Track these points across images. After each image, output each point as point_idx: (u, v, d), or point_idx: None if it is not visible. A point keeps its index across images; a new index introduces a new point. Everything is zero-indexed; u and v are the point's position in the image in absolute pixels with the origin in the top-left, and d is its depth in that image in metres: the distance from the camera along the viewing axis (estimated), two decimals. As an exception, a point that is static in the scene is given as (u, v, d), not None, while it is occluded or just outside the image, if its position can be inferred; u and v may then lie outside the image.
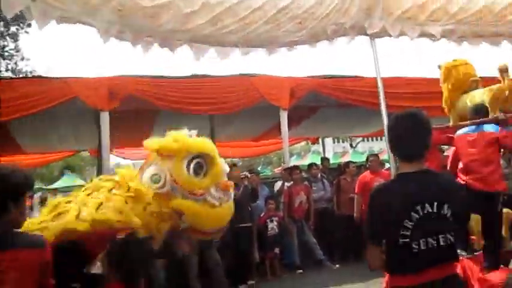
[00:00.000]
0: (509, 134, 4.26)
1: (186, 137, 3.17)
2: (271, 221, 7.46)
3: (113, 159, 8.42)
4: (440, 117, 5.38)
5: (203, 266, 6.31)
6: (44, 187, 14.41)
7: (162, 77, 7.99)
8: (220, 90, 8.00)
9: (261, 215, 7.52)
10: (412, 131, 2.26)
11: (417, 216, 2.15)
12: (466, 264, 4.07)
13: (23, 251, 1.95)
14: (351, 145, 37.89)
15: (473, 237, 4.14)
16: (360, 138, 35.31)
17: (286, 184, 7.95)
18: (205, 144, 3.19)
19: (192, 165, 3.06)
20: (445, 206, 2.18)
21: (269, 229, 7.41)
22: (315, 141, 16.56)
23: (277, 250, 7.51)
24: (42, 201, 6.89)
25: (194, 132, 3.26)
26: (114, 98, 7.07)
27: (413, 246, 2.14)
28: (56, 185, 18.34)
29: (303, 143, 28.76)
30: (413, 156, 2.28)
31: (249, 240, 7.16)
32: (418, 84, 8.98)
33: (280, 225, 7.57)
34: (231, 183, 3.33)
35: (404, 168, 2.30)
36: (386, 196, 2.25)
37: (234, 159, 16.29)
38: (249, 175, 7.84)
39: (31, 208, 7.70)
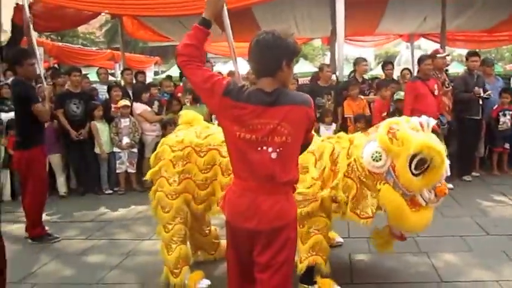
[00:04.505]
0: None
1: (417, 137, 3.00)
2: (504, 115, 7.09)
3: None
4: None
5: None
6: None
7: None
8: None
9: (494, 108, 7.19)
10: None
11: None
12: None
13: (296, 106, 2.16)
14: None
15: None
16: None
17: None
18: (434, 146, 2.97)
19: (414, 161, 2.97)
20: None
21: (500, 123, 7.09)
22: None
23: (507, 145, 7.23)
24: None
25: None
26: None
27: None
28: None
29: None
30: None
31: (475, 133, 7.04)
32: None
33: (513, 120, 7.17)
34: (446, 190, 3.14)
35: None
36: None
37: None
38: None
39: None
